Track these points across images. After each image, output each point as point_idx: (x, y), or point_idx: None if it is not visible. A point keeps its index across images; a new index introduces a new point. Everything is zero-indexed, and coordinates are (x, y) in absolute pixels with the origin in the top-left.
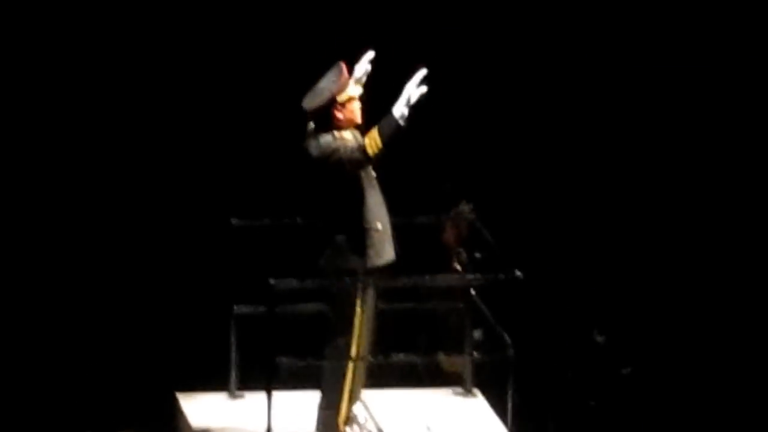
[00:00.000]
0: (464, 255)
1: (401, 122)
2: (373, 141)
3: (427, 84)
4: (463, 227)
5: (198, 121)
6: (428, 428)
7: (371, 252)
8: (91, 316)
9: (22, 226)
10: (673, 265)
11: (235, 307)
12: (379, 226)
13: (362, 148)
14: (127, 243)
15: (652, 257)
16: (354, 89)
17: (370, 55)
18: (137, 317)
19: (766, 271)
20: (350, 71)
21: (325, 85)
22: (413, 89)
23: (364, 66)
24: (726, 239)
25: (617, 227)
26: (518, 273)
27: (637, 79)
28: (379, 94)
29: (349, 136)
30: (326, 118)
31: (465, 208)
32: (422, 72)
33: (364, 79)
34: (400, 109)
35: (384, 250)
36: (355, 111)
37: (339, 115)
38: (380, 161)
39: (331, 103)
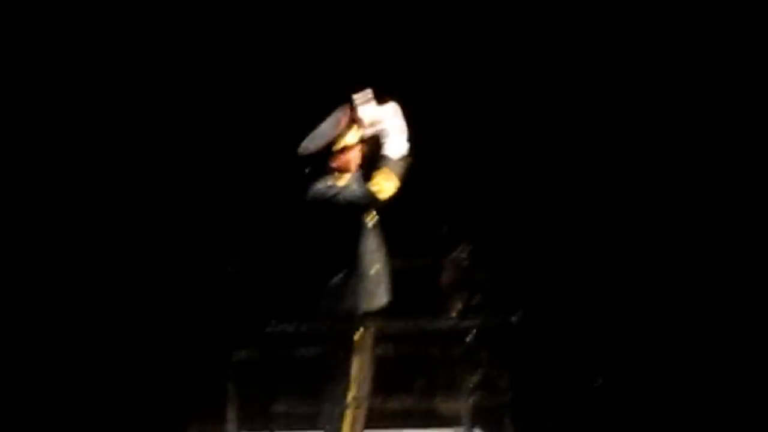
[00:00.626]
0: (463, 298)
1: (408, 157)
2: (378, 185)
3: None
4: (461, 270)
5: (196, 162)
6: None
7: (364, 296)
8: (89, 362)
9: (16, 262)
10: (672, 311)
11: (233, 353)
12: (373, 271)
13: (369, 194)
14: (125, 286)
15: (651, 303)
16: (353, 137)
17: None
18: (135, 363)
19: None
20: (353, 116)
21: (323, 131)
22: (396, 124)
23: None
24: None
25: (617, 271)
26: (515, 316)
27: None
28: None
29: (347, 179)
30: (322, 163)
31: (463, 251)
32: (393, 107)
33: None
34: (397, 149)
35: (377, 295)
36: (351, 160)
37: (334, 163)
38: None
39: (328, 150)
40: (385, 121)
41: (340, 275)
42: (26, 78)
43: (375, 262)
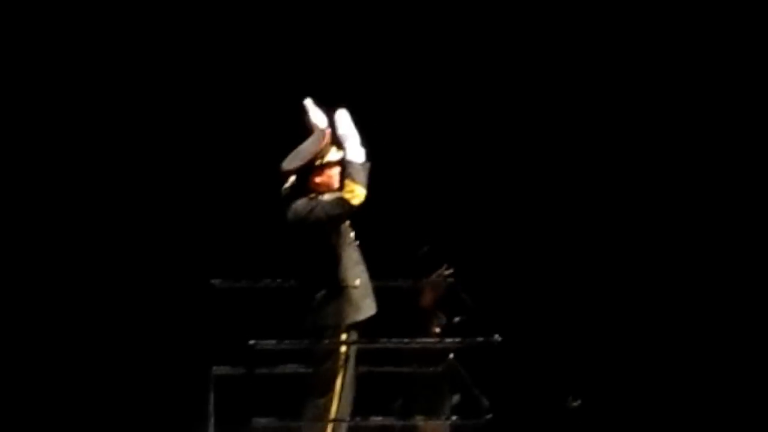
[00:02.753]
0: (443, 318)
1: (367, 162)
2: (351, 191)
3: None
4: (442, 291)
5: (179, 182)
6: None
7: (350, 308)
8: (70, 374)
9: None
10: (646, 332)
11: (214, 368)
12: (357, 282)
13: (343, 201)
14: (109, 301)
15: (627, 322)
16: (334, 154)
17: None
18: (118, 376)
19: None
20: (333, 137)
21: (305, 148)
22: (351, 130)
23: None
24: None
25: (593, 291)
26: (496, 337)
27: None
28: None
29: (326, 198)
30: (304, 181)
31: (444, 272)
32: (344, 113)
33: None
34: (358, 154)
35: (363, 305)
36: (333, 176)
37: (317, 179)
38: (358, 220)
39: (310, 167)
40: (340, 127)
41: (326, 289)
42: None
43: (359, 274)
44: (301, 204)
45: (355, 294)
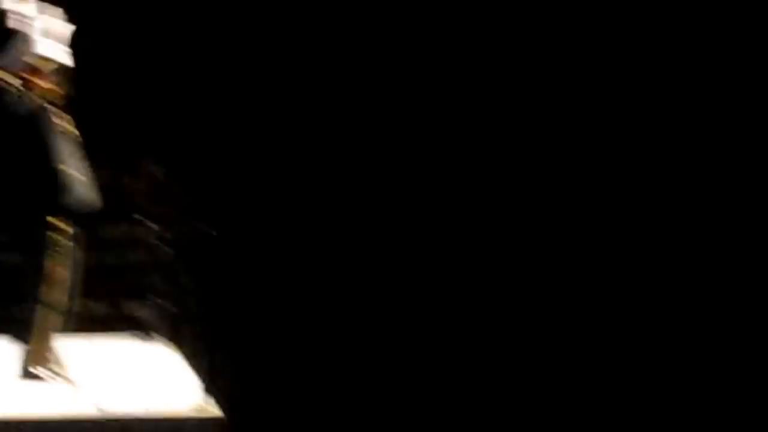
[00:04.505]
0: (151, 208)
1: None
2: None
3: None
4: (154, 183)
5: None
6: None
7: (67, 197)
8: None
9: None
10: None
11: None
12: (71, 172)
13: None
14: None
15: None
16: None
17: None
18: None
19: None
20: None
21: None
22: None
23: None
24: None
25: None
26: (208, 229)
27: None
28: None
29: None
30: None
31: (152, 166)
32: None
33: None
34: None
35: (81, 194)
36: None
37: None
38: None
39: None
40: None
41: (39, 178)
42: None
43: (73, 165)
44: (11, 98)
45: (72, 183)
